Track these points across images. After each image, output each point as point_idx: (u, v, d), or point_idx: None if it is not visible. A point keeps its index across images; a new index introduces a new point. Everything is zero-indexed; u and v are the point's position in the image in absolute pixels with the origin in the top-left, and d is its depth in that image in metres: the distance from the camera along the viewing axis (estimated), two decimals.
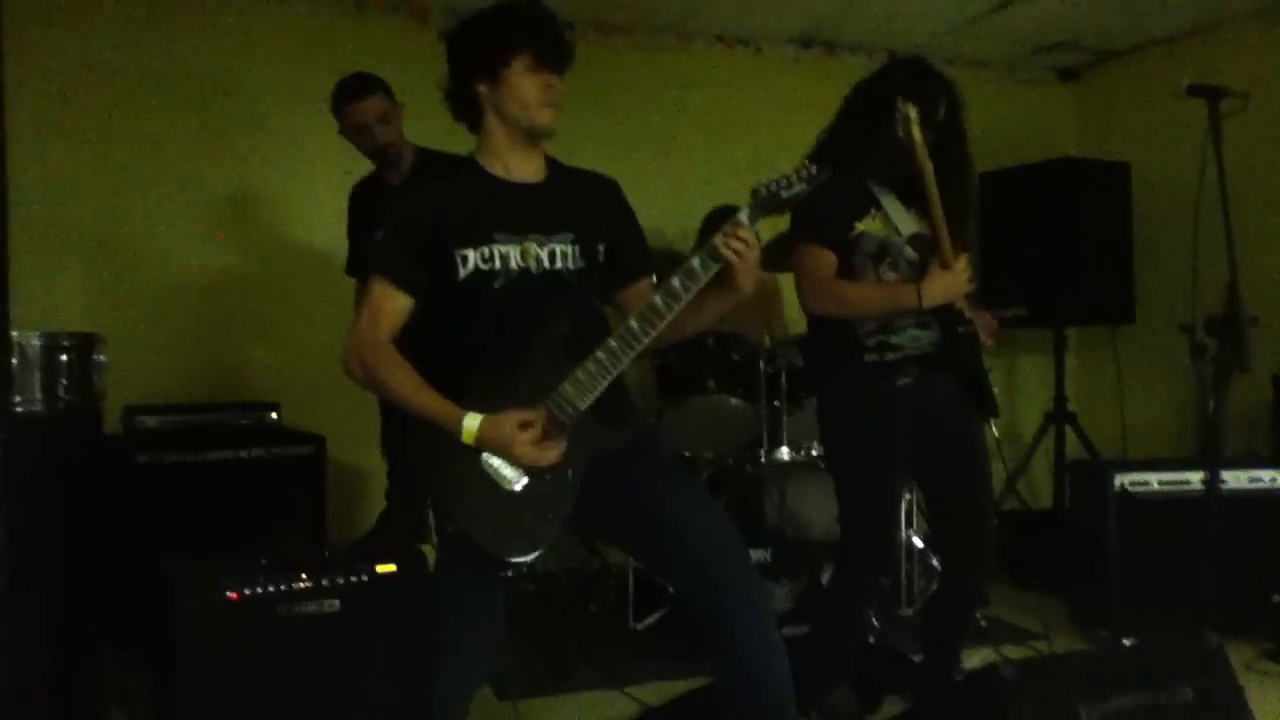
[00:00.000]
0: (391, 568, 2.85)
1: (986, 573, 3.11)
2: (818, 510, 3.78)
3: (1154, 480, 3.84)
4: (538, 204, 2.30)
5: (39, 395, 2.79)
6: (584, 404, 2.16)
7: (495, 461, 2.15)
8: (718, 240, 2.15)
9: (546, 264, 2.27)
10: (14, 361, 2.67)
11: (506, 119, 2.27)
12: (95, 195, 4.37)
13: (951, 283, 2.75)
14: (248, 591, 2.67)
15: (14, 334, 2.54)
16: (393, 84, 4.61)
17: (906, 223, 2.85)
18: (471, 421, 2.13)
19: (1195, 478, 3.77)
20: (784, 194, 2.20)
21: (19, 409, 2.73)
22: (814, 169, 2.20)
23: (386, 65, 4.65)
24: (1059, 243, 5.14)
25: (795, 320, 4.13)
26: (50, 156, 4.24)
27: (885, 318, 2.81)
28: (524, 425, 2.12)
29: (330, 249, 4.57)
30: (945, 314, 2.83)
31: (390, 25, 4.73)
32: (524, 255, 2.25)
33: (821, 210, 2.72)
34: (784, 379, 3.91)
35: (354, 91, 3.49)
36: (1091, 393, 5.68)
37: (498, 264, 2.23)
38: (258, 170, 4.58)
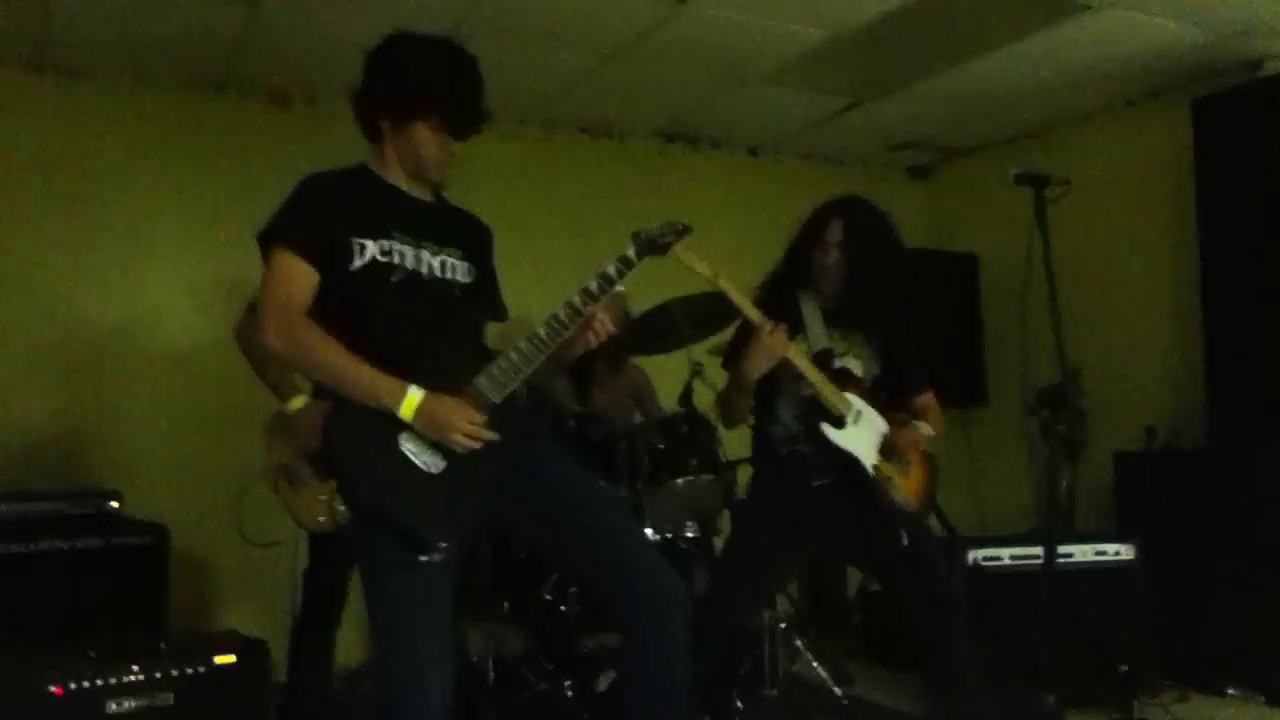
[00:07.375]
0: (231, 659, 2.74)
1: None
2: None
3: (1005, 555, 3.94)
4: (431, 217, 2.38)
5: None
6: (498, 398, 2.22)
7: (412, 445, 2.16)
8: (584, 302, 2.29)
9: (438, 272, 2.33)
10: None
11: (403, 159, 2.33)
12: None
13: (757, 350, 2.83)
14: (73, 685, 2.53)
15: None
16: (252, 167, 4.56)
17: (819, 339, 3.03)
18: (416, 393, 2.13)
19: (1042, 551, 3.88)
20: (660, 240, 2.36)
21: None
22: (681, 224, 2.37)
23: (248, 148, 4.63)
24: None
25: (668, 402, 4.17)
26: None
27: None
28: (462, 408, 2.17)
29: (177, 329, 4.44)
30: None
31: (250, 110, 4.67)
32: (418, 260, 2.29)
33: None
34: (646, 461, 3.90)
35: None
36: (948, 474, 5.82)
37: (395, 259, 2.26)
38: (101, 246, 4.40)
